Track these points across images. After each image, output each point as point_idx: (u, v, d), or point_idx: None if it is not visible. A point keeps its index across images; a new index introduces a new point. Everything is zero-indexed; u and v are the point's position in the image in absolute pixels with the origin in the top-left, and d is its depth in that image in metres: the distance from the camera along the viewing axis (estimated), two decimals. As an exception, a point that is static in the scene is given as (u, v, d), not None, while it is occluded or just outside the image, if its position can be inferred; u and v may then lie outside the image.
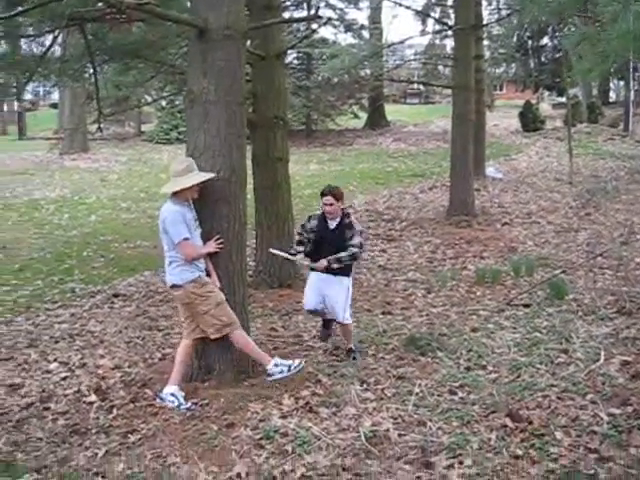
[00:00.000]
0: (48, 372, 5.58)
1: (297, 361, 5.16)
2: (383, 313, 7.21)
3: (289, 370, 5.04)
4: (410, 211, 13.73)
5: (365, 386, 5.12)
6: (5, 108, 32.72)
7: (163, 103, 24.69)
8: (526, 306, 7.16)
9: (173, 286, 4.93)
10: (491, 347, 6.01)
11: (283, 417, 4.53)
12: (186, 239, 4.80)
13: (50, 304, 8.11)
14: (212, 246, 5.00)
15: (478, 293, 7.92)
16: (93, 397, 4.98)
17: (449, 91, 17.81)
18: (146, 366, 5.49)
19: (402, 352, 5.94)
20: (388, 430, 4.38)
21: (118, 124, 26.37)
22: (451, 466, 4.01)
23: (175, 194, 4.86)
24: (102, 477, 4.04)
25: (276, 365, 5.05)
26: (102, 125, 26.23)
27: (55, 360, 5.85)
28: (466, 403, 4.83)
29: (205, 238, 5.00)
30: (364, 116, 29.49)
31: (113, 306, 7.75)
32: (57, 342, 6.44)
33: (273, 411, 4.62)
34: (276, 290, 7.78)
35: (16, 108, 31.63)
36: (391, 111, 31.75)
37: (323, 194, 5.72)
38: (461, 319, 6.93)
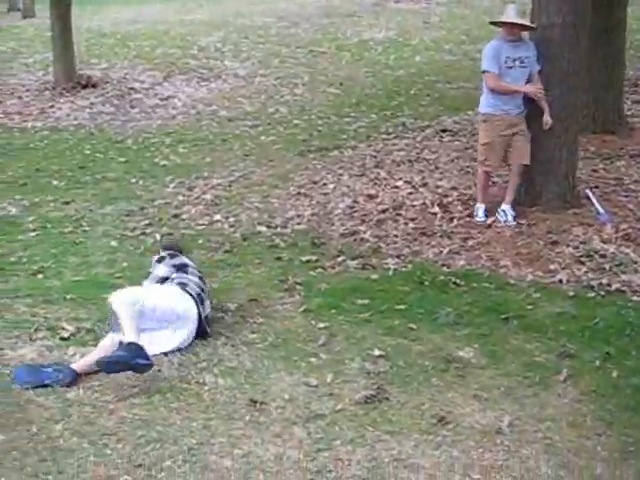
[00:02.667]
0: (396, 187, 6.68)
1: None
2: None
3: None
4: None
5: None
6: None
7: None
8: None
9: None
10: None
11: (603, 242, 5.13)
12: (486, 71, 5.48)
13: (385, 135, 9.19)
14: (527, 88, 5.55)
15: None
16: (436, 209, 5.98)
17: None
18: (478, 189, 6.32)
19: None
20: None
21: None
22: None
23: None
24: (446, 267, 5.09)
25: None
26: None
27: (400, 179, 6.93)
28: None
29: (545, 78, 5.52)
30: None
31: (442, 140, 8.61)
32: (399, 165, 7.51)
33: (594, 236, 5.24)
34: (599, 135, 7.98)
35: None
36: None
37: None
38: None
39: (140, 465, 2.95)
